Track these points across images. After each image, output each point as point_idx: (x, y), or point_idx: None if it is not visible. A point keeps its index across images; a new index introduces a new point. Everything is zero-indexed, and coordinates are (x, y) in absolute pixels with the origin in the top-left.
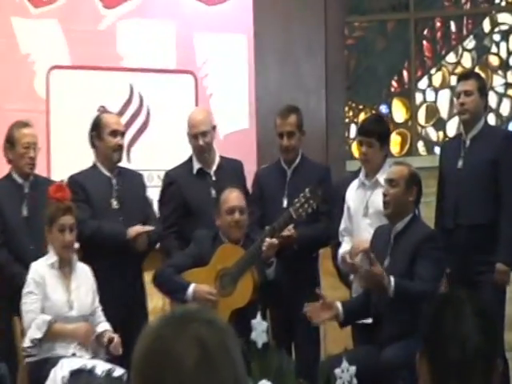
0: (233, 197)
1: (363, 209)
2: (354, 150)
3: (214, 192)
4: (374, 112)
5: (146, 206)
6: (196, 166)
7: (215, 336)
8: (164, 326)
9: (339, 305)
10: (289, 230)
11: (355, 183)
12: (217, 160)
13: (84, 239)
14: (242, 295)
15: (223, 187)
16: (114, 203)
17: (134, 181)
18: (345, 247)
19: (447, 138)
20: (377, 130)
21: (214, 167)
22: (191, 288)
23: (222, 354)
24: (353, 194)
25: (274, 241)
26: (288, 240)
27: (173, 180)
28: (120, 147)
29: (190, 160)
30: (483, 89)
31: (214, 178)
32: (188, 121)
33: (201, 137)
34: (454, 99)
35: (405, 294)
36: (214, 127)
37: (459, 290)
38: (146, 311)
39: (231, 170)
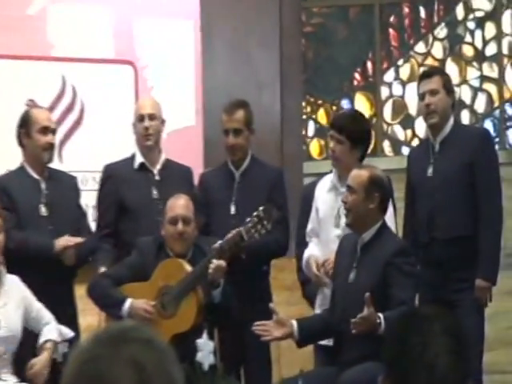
0: (177, 205)
1: (334, 218)
2: (313, 149)
3: (155, 192)
4: (334, 108)
5: (79, 215)
6: (138, 159)
7: (153, 358)
8: (97, 346)
9: (294, 323)
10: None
11: (326, 183)
12: (162, 159)
13: (7, 252)
14: (184, 318)
15: (167, 190)
16: (43, 210)
17: (66, 185)
18: (312, 249)
19: (416, 138)
20: (348, 127)
21: (159, 166)
22: (127, 303)
23: (161, 378)
24: (323, 196)
25: (222, 263)
26: (235, 250)
27: (111, 174)
28: (51, 146)
29: (132, 156)
30: (449, 85)
31: (157, 178)
32: (136, 105)
33: (148, 119)
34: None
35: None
36: (162, 121)
37: (426, 308)
38: (77, 330)
39: (178, 175)
